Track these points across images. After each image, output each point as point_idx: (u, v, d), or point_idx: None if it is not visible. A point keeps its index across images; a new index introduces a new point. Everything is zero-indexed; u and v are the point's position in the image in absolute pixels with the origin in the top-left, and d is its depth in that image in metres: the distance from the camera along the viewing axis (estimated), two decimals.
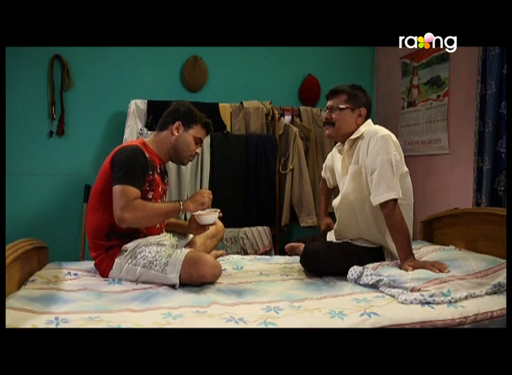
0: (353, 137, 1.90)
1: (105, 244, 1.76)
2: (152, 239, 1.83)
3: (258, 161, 3.00)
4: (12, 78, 2.71)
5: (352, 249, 1.87)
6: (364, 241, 1.91)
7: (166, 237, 1.94)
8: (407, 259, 1.71)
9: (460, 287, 1.54)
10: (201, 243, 2.06)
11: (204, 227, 1.87)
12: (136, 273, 1.70)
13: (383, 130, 1.82)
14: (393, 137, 1.82)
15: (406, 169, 1.88)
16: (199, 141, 1.92)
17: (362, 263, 1.79)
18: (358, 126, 1.92)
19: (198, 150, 1.94)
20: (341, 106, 1.89)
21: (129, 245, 1.74)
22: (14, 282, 1.57)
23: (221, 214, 1.85)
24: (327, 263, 1.81)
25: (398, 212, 1.73)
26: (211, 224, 1.89)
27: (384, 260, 1.87)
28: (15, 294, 1.45)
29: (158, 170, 1.85)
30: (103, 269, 1.75)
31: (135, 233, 1.78)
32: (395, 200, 1.73)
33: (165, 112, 1.92)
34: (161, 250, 1.73)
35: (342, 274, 1.78)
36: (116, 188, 1.66)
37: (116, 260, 1.73)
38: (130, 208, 1.64)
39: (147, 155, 1.76)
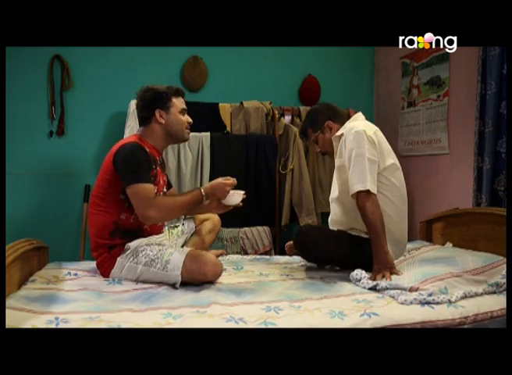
0: (338, 134, 1.96)
1: (108, 243, 1.76)
2: (153, 239, 1.83)
3: (258, 161, 3.00)
4: (12, 78, 2.70)
5: (345, 236, 1.89)
6: (355, 230, 1.92)
7: (166, 237, 1.95)
8: (379, 259, 1.70)
9: (456, 283, 1.55)
10: (200, 240, 2.06)
11: (226, 206, 1.85)
12: (137, 272, 1.70)
13: (359, 126, 1.86)
14: (370, 132, 1.84)
15: (391, 162, 1.88)
16: (184, 111, 1.90)
17: (354, 249, 1.81)
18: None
19: (189, 119, 1.92)
20: (314, 138, 2.04)
21: (132, 244, 1.74)
22: (14, 282, 1.57)
23: (245, 196, 1.83)
24: (318, 243, 1.83)
25: (368, 205, 1.72)
26: (237, 205, 1.86)
27: None
28: (15, 294, 1.45)
29: (159, 162, 1.87)
30: (105, 269, 1.75)
31: (139, 232, 1.79)
32: (364, 192, 1.74)
33: (138, 107, 1.90)
34: (162, 248, 1.74)
35: (333, 258, 1.82)
36: (133, 188, 1.67)
37: (118, 259, 1.73)
38: (154, 206, 1.65)
39: (147, 150, 1.77)
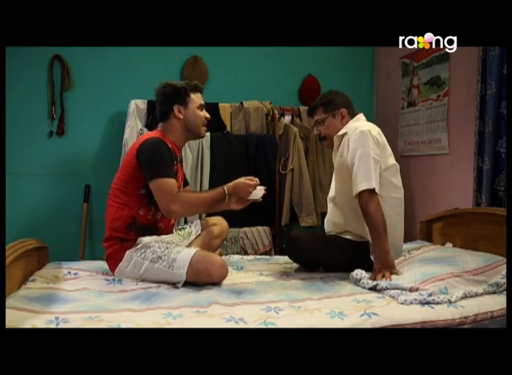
0: (340, 133, 1.94)
1: (123, 237, 1.77)
2: (163, 237, 1.84)
3: (258, 161, 2.99)
4: (12, 78, 2.70)
5: (337, 241, 1.89)
6: (348, 234, 1.92)
7: (174, 238, 1.95)
8: (380, 258, 1.70)
9: (456, 283, 1.55)
10: (206, 243, 2.06)
11: (246, 201, 1.87)
12: (143, 268, 1.70)
13: (364, 126, 1.85)
14: (374, 132, 1.83)
15: (392, 162, 1.88)
16: (202, 107, 1.91)
17: (345, 255, 1.83)
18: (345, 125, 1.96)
19: (207, 114, 1.93)
20: (322, 118, 1.97)
21: (144, 239, 1.76)
22: (14, 282, 1.57)
23: (265, 191, 1.86)
24: (309, 247, 1.86)
25: (371, 205, 1.72)
26: (257, 200, 1.88)
27: (369, 254, 1.84)
28: (15, 294, 1.45)
29: (179, 159, 1.89)
30: (113, 261, 1.76)
31: (154, 229, 1.81)
32: (369, 191, 1.73)
33: (157, 102, 1.91)
34: (170, 246, 1.75)
35: (324, 262, 1.86)
36: (156, 183, 1.69)
37: (127, 252, 1.74)
38: (177, 201, 1.69)
39: (169, 146, 1.79)
